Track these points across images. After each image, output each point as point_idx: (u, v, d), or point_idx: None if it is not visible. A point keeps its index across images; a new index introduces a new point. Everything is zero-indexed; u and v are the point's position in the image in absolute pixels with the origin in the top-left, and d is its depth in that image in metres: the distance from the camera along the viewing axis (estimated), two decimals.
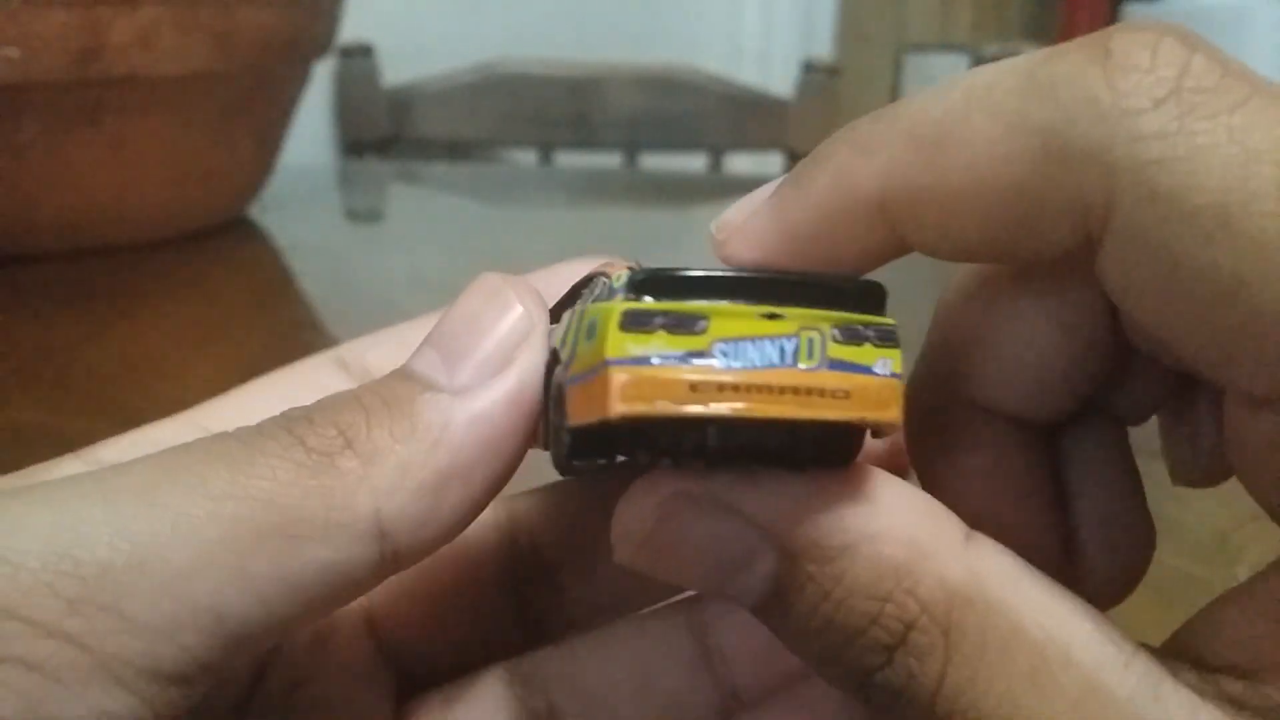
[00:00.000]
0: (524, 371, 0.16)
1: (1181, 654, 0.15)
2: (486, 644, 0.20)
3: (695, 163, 1.31)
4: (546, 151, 1.27)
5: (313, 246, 0.74)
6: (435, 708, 0.19)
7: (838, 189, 0.15)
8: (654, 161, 1.29)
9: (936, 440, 0.18)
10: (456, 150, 1.30)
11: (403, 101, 1.24)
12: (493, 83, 1.24)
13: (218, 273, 0.66)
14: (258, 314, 0.60)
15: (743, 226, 0.16)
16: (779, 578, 0.15)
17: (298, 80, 0.74)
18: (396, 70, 1.23)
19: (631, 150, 1.26)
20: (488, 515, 0.19)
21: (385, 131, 1.24)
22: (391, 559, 0.15)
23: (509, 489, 0.17)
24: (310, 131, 1.15)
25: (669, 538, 0.15)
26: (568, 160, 1.28)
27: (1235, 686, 0.14)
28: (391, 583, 0.17)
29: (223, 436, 0.15)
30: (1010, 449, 0.17)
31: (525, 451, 0.16)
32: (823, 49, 1.97)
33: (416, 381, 0.16)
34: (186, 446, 0.15)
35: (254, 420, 0.16)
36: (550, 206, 0.94)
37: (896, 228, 0.15)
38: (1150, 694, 0.14)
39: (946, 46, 2.70)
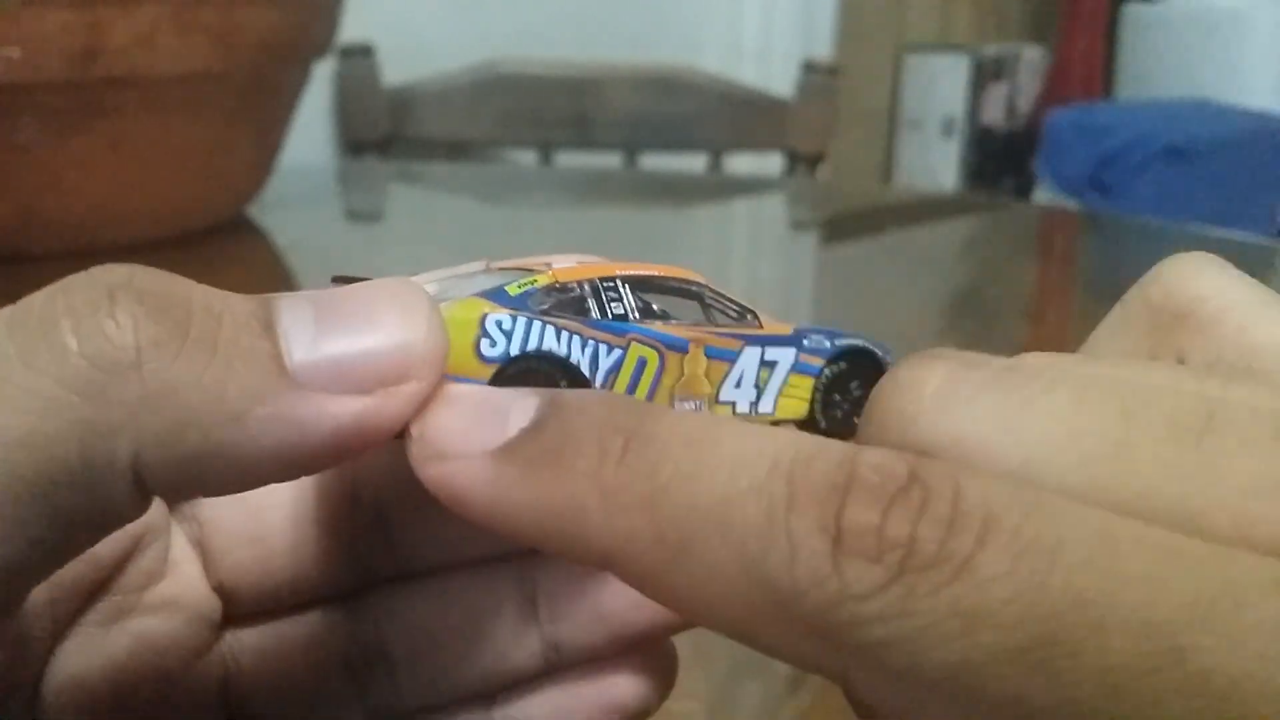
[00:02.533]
0: (378, 412, 0.14)
1: None
2: (322, 588, 0.20)
3: (695, 163, 1.31)
4: (546, 151, 1.27)
5: (313, 246, 0.74)
6: (262, 634, 0.20)
7: (569, 520, 0.14)
8: (654, 161, 1.29)
9: None
10: (456, 150, 1.30)
11: (403, 101, 1.24)
12: (493, 83, 1.24)
13: (218, 273, 0.66)
14: None
15: (455, 463, 0.14)
16: None
17: (298, 80, 0.74)
18: (396, 70, 1.23)
19: (631, 150, 1.26)
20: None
21: (385, 131, 1.24)
22: (143, 505, 0.14)
23: None
24: (310, 131, 1.15)
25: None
26: (568, 160, 1.28)
27: None
28: (232, 520, 0.19)
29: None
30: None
31: (315, 472, 0.15)
32: (823, 49, 1.97)
33: (270, 339, 0.14)
34: None
35: None
36: (550, 206, 0.94)
37: (618, 575, 0.14)
38: None
39: (946, 46, 2.71)
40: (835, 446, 0.13)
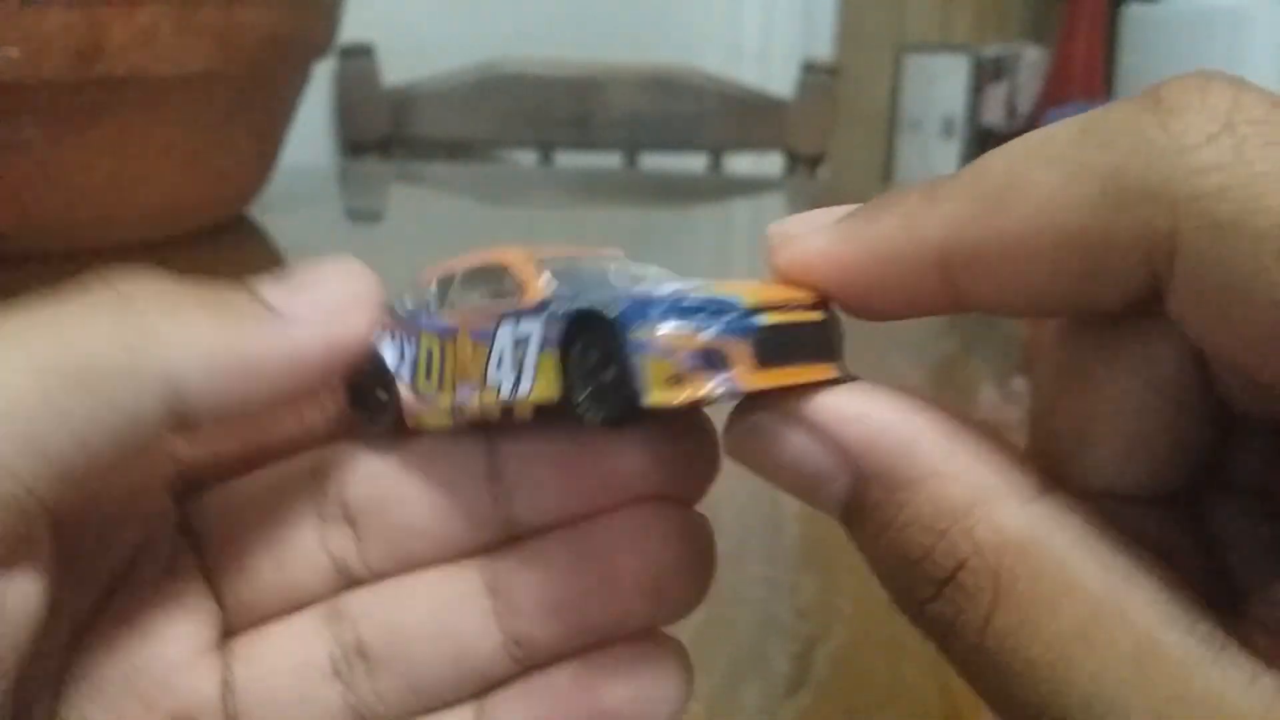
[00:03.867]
0: (347, 329, 0.19)
1: (1258, 621, 0.15)
2: (302, 588, 0.21)
3: (695, 163, 1.31)
4: (546, 151, 1.27)
5: (313, 246, 0.74)
6: (252, 644, 0.20)
7: (903, 231, 0.16)
8: (654, 161, 1.29)
9: None
10: (456, 150, 1.30)
11: (403, 101, 1.24)
12: (493, 83, 1.24)
13: (218, 273, 0.66)
14: None
15: (801, 241, 0.17)
16: (853, 497, 0.16)
17: (298, 80, 0.74)
18: (396, 70, 1.23)
19: (631, 150, 1.26)
20: (303, 462, 0.21)
21: (385, 131, 1.24)
22: (181, 419, 0.17)
23: None
24: (310, 131, 1.15)
25: (758, 449, 0.17)
26: (568, 160, 1.28)
27: None
28: (223, 518, 0.20)
29: (52, 300, 0.17)
30: (1133, 529, 0.17)
31: (312, 389, 0.19)
32: (823, 49, 1.97)
33: (257, 302, 0.18)
34: (14, 308, 0.17)
35: None
36: (550, 206, 0.94)
37: (956, 281, 0.16)
38: (1209, 657, 0.14)
39: (946, 46, 2.70)
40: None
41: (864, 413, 0.16)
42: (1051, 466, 0.17)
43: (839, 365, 0.18)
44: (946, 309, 0.16)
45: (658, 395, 0.16)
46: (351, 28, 0.81)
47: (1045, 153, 0.15)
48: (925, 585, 0.15)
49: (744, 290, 0.17)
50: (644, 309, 0.16)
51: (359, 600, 0.20)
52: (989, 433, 0.16)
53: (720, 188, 1.14)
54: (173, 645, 0.19)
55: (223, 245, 0.71)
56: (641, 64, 1.27)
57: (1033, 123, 2.64)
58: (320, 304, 0.19)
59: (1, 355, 0.16)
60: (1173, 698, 0.13)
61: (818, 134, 1.26)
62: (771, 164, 1.34)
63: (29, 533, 0.16)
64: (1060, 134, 0.15)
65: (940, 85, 2.66)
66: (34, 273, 0.62)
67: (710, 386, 0.16)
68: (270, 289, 0.19)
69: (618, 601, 0.19)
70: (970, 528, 0.15)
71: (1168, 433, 0.17)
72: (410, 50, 1.25)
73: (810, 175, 1.26)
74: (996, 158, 0.15)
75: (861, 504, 0.16)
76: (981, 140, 2.66)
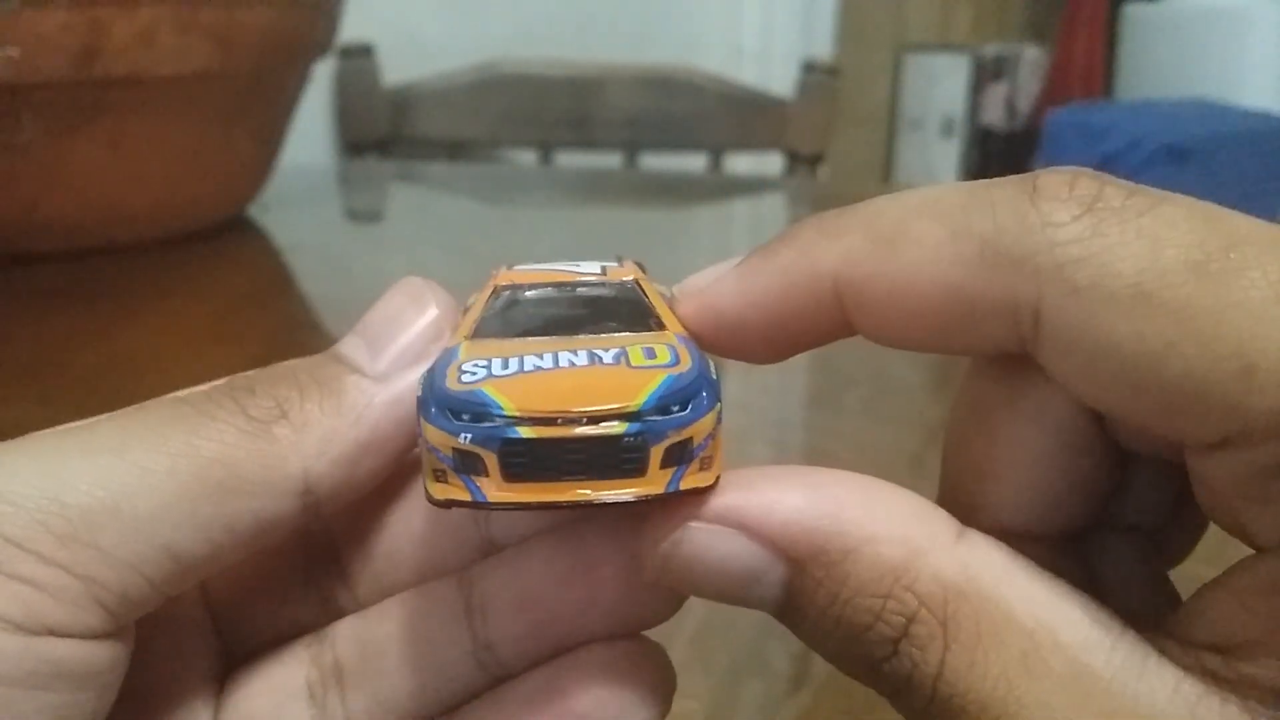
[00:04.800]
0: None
1: (1171, 635, 0.16)
2: (295, 622, 0.21)
3: (695, 163, 1.31)
4: (546, 151, 1.27)
5: (313, 246, 0.74)
6: (244, 675, 0.21)
7: (800, 263, 0.18)
8: (654, 161, 1.29)
9: None
10: (456, 150, 1.30)
11: (403, 101, 1.24)
12: (493, 83, 1.24)
13: (218, 273, 0.66)
14: (258, 313, 0.60)
15: (706, 289, 0.19)
16: (790, 585, 0.16)
17: (298, 80, 0.74)
18: (396, 70, 1.23)
19: (631, 150, 1.26)
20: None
21: (385, 131, 1.24)
22: (314, 509, 0.18)
23: None
24: (310, 131, 1.15)
25: (686, 561, 0.17)
26: (568, 160, 1.28)
27: (1214, 661, 0.15)
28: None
29: (177, 400, 0.18)
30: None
31: None
32: (823, 49, 1.97)
33: (344, 364, 0.19)
34: (146, 408, 0.18)
35: None
36: (550, 206, 0.94)
37: (847, 309, 0.17)
38: (1135, 671, 0.15)
39: (946, 46, 2.71)
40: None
41: (779, 499, 0.16)
42: (959, 502, 0.19)
43: (639, 480, 0.16)
44: (840, 335, 0.18)
45: (430, 488, 0.17)
46: (351, 28, 0.81)
47: (935, 208, 0.16)
48: (881, 647, 0.16)
49: (545, 388, 0.16)
50: (428, 401, 0.17)
51: (341, 623, 0.21)
52: (888, 485, 0.17)
53: (720, 188, 1.13)
54: (174, 685, 0.20)
55: (223, 245, 0.71)
56: (641, 64, 1.27)
57: (1033, 122, 2.64)
58: (404, 347, 0.19)
59: (144, 457, 0.17)
60: (1108, 712, 0.15)
61: (818, 134, 1.26)
62: (771, 164, 1.34)
63: (136, 616, 0.17)
64: (949, 196, 0.16)
65: (940, 85, 2.66)
66: (34, 273, 0.62)
67: (468, 492, 0.16)
68: (354, 347, 0.19)
69: (594, 602, 0.19)
70: (912, 583, 0.15)
71: (1064, 474, 0.18)
72: (410, 50, 1.25)
73: (810, 175, 1.26)
74: (891, 203, 0.17)
75: (801, 589, 0.16)
76: (981, 140, 2.66)
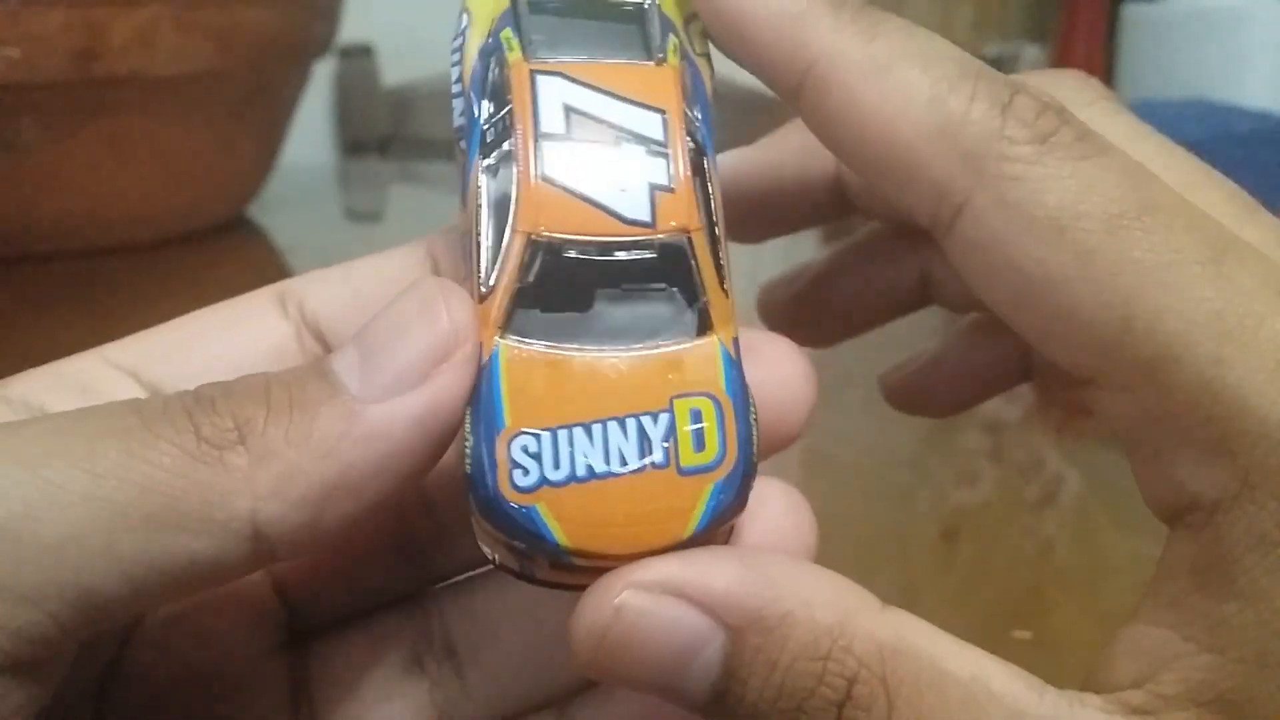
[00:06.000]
0: (436, 391, 0.16)
1: (1086, 688, 0.16)
2: (381, 586, 0.20)
3: None
4: None
5: (313, 246, 0.74)
6: (334, 646, 0.20)
7: (788, 40, 0.18)
8: None
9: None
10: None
11: (403, 101, 1.24)
12: None
13: (218, 273, 0.66)
14: None
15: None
16: (728, 657, 0.16)
17: (298, 80, 0.74)
18: (396, 70, 1.23)
19: None
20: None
21: (385, 131, 1.24)
22: (265, 556, 0.15)
23: None
24: (310, 131, 1.15)
25: (625, 631, 0.15)
26: None
27: (1136, 696, 0.16)
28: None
29: (126, 408, 0.15)
30: None
31: (426, 471, 0.16)
32: None
33: (328, 383, 0.16)
34: (92, 412, 0.15)
35: (161, 367, 0.18)
36: None
37: (807, 95, 0.18)
38: (1069, 711, 0.15)
39: None
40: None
41: (716, 567, 0.16)
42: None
43: None
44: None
45: (480, 540, 0.17)
46: (351, 28, 0.81)
47: (932, 66, 0.17)
48: (825, 712, 0.15)
49: (599, 515, 0.16)
50: (478, 490, 0.16)
51: (444, 593, 0.20)
52: (813, 563, 0.17)
53: None
54: (235, 661, 0.19)
55: (223, 245, 0.71)
56: None
57: None
58: (403, 368, 0.16)
59: (61, 474, 0.14)
60: None
61: None
62: None
63: (43, 655, 0.15)
64: (946, 61, 0.17)
65: None
66: (34, 273, 0.62)
67: (519, 567, 0.17)
68: (345, 361, 0.16)
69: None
70: (848, 645, 0.15)
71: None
72: (410, 50, 1.25)
73: None
74: (902, 34, 0.18)
75: (740, 659, 0.16)
76: None
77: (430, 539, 0.20)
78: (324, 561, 0.20)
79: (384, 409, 0.15)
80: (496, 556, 0.17)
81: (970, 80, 0.17)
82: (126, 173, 0.63)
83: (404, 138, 1.25)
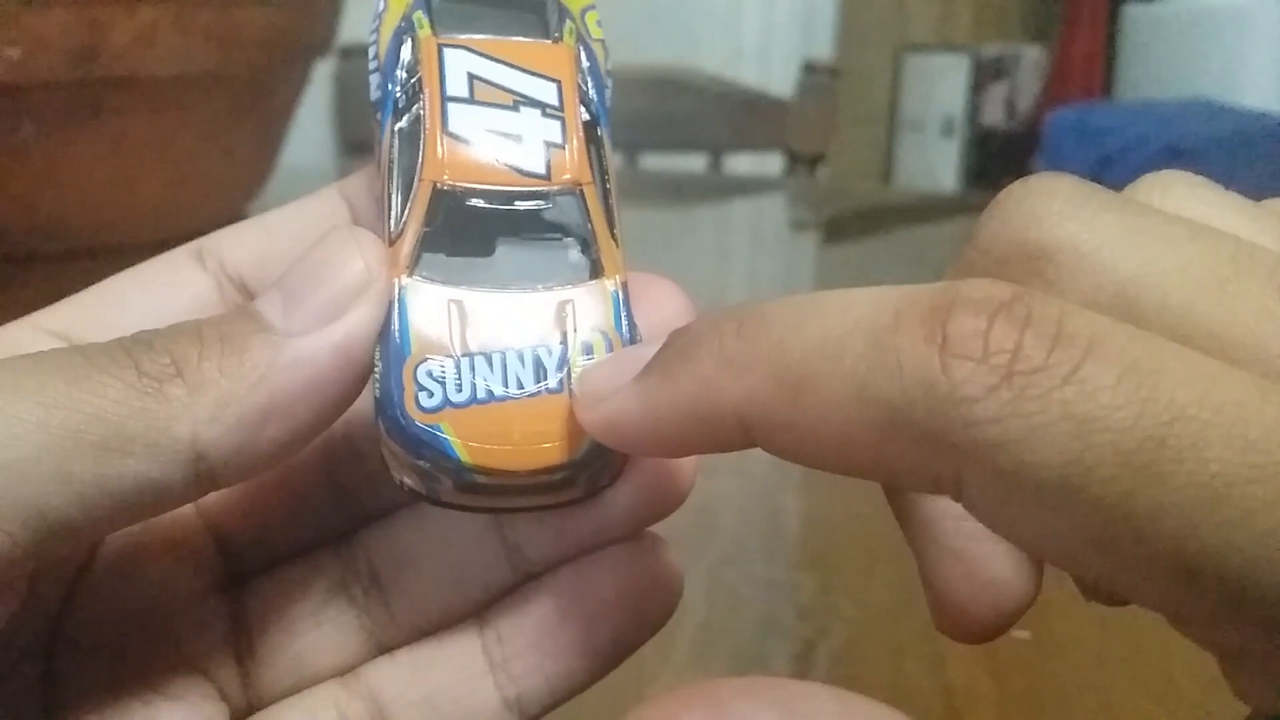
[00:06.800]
0: (353, 323, 0.17)
1: None
2: (314, 528, 0.21)
3: (695, 163, 1.31)
4: None
5: None
6: (268, 582, 0.21)
7: (702, 397, 0.16)
8: (654, 161, 1.29)
9: None
10: None
11: None
12: None
13: None
14: None
15: (604, 404, 0.17)
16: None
17: (298, 80, 0.74)
18: None
19: (631, 150, 1.26)
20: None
21: None
22: (208, 479, 0.17)
23: None
24: (310, 131, 1.15)
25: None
26: None
27: None
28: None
29: (69, 350, 0.17)
30: None
31: (352, 398, 0.18)
32: (823, 49, 1.97)
33: (254, 321, 0.17)
34: (36, 356, 0.16)
35: (90, 328, 0.19)
36: None
37: (755, 439, 0.16)
38: None
39: (946, 46, 2.70)
40: (937, 285, 0.14)
41: None
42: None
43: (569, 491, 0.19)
44: (750, 446, 0.17)
45: (390, 466, 0.18)
46: (351, 28, 0.81)
47: (838, 359, 0.14)
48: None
49: (498, 431, 0.17)
50: (385, 413, 0.17)
51: (369, 531, 0.21)
52: (865, 700, 0.15)
53: (720, 188, 1.13)
54: (173, 600, 0.20)
55: None
56: (641, 64, 1.27)
57: (1033, 123, 2.64)
58: (323, 303, 0.17)
59: (13, 405, 0.15)
60: None
61: (818, 134, 1.26)
62: (771, 164, 1.34)
63: (5, 576, 0.16)
64: (853, 342, 0.14)
65: (940, 85, 2.66)
66: (34, 273, 0.62)
67: (424, 488, 0.18)
68: (269, 302, 0.18)
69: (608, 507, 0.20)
70: None
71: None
72: None
73: (810, 175, 1.26)
74: (794, 337, 0.15)
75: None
76: (981, 140, 2.66)
77: (357, 485, 0.21)
78: (259, 505, 0.21)
79: (307, 340, 0.17)
80: (406, 481, 0.18)
81: (888, 344, 0.14)
82: (126, 173, 0.63)
83: None
